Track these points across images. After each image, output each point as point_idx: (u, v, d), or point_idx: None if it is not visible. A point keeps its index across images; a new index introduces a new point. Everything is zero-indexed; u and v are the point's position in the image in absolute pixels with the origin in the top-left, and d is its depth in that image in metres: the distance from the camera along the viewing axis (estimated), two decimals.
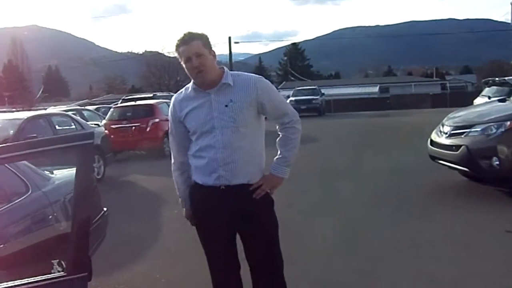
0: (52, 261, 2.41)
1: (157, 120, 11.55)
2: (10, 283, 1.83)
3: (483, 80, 14.31)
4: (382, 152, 9.62)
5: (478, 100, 11.96)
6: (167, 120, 9.64)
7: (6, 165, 2.76)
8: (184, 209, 2.42)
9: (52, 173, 3.58)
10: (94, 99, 40.07)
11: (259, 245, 2.29)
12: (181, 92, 2.33)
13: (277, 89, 2.63)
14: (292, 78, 55.00)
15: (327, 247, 4.11)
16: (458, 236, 4.21)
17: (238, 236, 2.35)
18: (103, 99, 41.18)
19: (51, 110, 13.86)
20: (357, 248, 4.05)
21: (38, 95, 45.54)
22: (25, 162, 3.11)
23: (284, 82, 49.04)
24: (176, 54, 2.26)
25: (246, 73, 2.34)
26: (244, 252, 2.34)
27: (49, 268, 2.35)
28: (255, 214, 2.25)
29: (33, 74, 53.63)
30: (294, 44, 71.12)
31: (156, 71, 50.66)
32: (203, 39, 2.20)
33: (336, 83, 48.72)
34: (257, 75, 2.34)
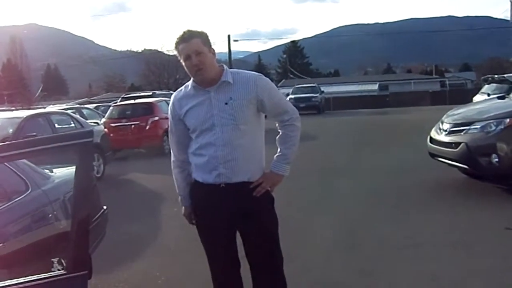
0: (52, 259, 2.41)
1: (156, 118, 11.55)
2: (11, 282, 1.83)
3: (483, 78, 14.33)
4: (381, 150, 9.63)
5: (477, 98, 11.97)
6: (166, 118, 9.59)
7: (5, 163, 2.76)
8: (183, 207, 2.43)
9: (52, 172, 3.58)
10: (93, 98, 40.03)
11: (259, 243, 2.29)
12: (181, 90, 2.33)
13: (277, 87, 2.63)
14: (292, 76, 54.96)
15: (326, 245, 4.11)
16: (457, 234, 4.22)
17: (238, 234, 2.36)
18: (102, 97, 41.13)
19: (51, 108, 13.84)
20: (357, 246, 4.06)
21: (38, 93, 45.47)
22: (24, 160, 3.11)
23: (283, 80, 49.01)
24: (175, 52, 2.26)
25: (245, 71, 2.34)
26: (244, 250, 2.34)
27: (49, 267, 2.35)
28: (256, 212, 2.26)
29: (32, 73, 53.53)
30: (293, 42, 71.04)
31: (155, 69, 50.61)
32: (203, 37, 2.20)
33: (336, 81, 48.68)
34: (256, 73, 2.34)
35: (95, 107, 17.71)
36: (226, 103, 2.19)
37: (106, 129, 10.30)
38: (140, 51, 61.81)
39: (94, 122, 11.17)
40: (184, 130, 2.30)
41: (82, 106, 17.73)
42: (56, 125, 8.11)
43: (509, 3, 22.82)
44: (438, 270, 3.42)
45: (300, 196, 5.98)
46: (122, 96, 19.72)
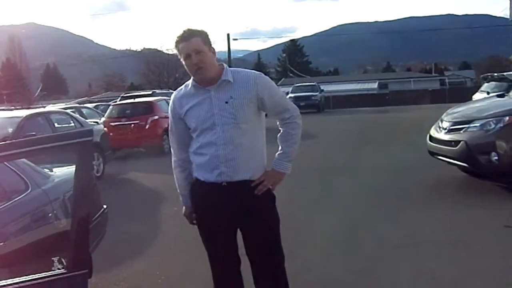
0: (53, 258, 2.41)
1: (156, 117, 11.54)
2: (11, 281, 1.83)
3: (482, 76, 14.33)
4: (381, 148, 9.63)
5: (477, 96, 11.98)
6: (166, 117, 9.62)
7: (5, 163, 2.76)
8: (184, 207, 2.43)
9: (52, 171, 3.58)
10: (93, 97, 39.95)
11: (261, 241, 2.30)
12: (181, 89, 2.33)
13: (277, 85, 2.63)
14: (291, 75, 54.94)
15: (327, 244, 4.11)
16: (457, 232, 4.22)
17: (238, 232, 2.36)
18: (102, 96, 41.08)
19: (50, 108, 13.83)
20: (357, 245, 4.06)
21: (37, 93, 45.42)
22: (24, 160, 3.11)
23: (283, 79, 48.99)
24: (175, 51, 2.26)
25: (245, 70, 2.34)
26: (244, 248, 2.35)
27: (49, 266, 2.35)
28: (257, 210, 2.26)
29: (32, 72, 53.46)
30: (292, 40, 71.02)
31: (155, 69, 50.59)
32: (203, 36, 2.20)
33: (335, 80, 48.71)
34: (256, 72, 2.35)
35: (95, 106, 17.70)
36: (226, 102, 2.19)
37: (105, 128, 10.30)
38: (139, 50, 61.97)
39: (94, 121, 11.18)
40: (185, 129, 2.30)
41: (81, 105, 17.71)
42: (56, 125, 8.11)
43: (508, 2, 22.80)
44: (438, 268, 3.42)
45: (301, 195, 5.98)
46: (122, 95, 19.74)
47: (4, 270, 2.42)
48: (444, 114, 6.26)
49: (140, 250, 4.33)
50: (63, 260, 2.16)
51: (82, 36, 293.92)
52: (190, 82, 2.28)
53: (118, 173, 9.10)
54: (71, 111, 10.61)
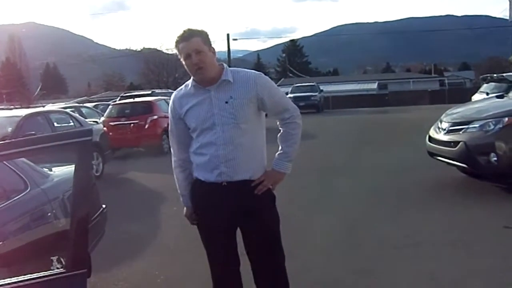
0: (52, 257, 2.41)
1: (155, 117, 11.54)
2: (10, 280, 1.83)
3: (481, 77, 14.33)
4: (381, 148, 9.64)
5: (476, 97, 11.98)
6: (165, 117, 9.62)
7: (4, 162, 2.76)
8: (185, 207, 2.43)
9: (51, 170, 3.58)
10: (92, 96, 39.95)
11: (261, 241, 2.30)
12: (181, 89, 2.33)
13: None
14: (291, 75, 54.95)
15: (327, 244, 4.12)
16: (457, 233, 4.22)
17: (237, 232, 2.36)
18: (101, 96, 41.08)
19: (49, 107, 13.83)
20: (357, 245, 4.05)
21: (36, 92, 45.41)
22: (23, 159, 3.11)
23: (282, 79, 48.99)
24: (175, 51, 2.26)
25: (245, 70, 2.34)
26: (244, 248, 2.35)
27: (48, 265, 2.35)
28: (257, 210, 2.26)
29: (31, 72, 53.47)
30: (292, 40, 71.03)
31: (154, 68, 50.58)
32: (203, 36, 2.20)
33: (335, 80, 48.72)
34: (256, 72, 2.35)
35: (94, 106, 17.69)
36: (226, 102, 2.19)
37: (105, 128, 10.29)
38: (139, 50, 61.90)
39: (93, 121, 11.17)
40: (185, 129, 2.30)
41: (81, 104, 17.69)
42: (55, 124, 8.11)
43: (508, 2, 22.82)
44: (438, 269, 3.42)
45: (301, 195, 5.98)
46: (121, 95, 19.74)
47: (3, 270, 2.42)
48: (444, 114, 6.26)
49: (139, 249, 4.32)
50: (62, 260, 2.16)
51: (82, 36, 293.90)
52: (190, 82, 2.28)
53: (118, 172, 9.10)
54: (71, 111, 10.61)
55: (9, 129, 7.08)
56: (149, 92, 18.52)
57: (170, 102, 2.36)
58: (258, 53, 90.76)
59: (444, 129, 5.87)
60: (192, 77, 2.25)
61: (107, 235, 3.68)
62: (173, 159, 2.41)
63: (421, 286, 3.21)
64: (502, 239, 3.96)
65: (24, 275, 1.85)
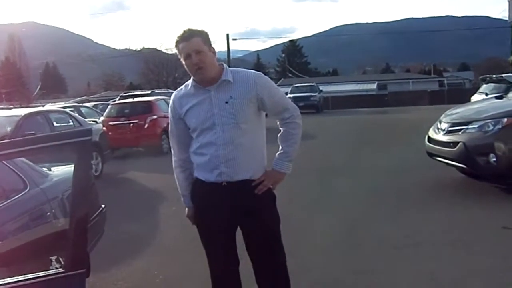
0: (50, 257, 2.41)
1: (155, 117, 11.54)
2: (9, 280, 1.83)
3: (481, 77, 14.34)
4: (380, 149, 9.64)
5: (475, 97, 11.99)
6: (165, 117, 9.62)
7: (4, 162, 2.76)
8: (187, 208, 2.42)
9: (50, 170, 3.57)
10: (92, 96, 39.96)
11: (261, 241, 2.30)
12: (181, 89, 2.33)
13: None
14: (290, 75, 54.95)
15: (327, 244, 4.11)
16: (456, 233, 4.22)
17: (237, 233, 2.36)
18: (101, 96, 41.08)
19: (49, 107, 13.82)
20: (357, 245, 4.05)
21: (36, 92, 45.41)
22: (23, 159, 3.10)
23: (282, 79, 49.01)
24: (175, 51, 2.27)
25: (245, 70, 2.34)
26: (245, 247, 2.35)
27: (47, 265, 2.35)
28: (257, 210, 2.26)
29: (31, 71, 53.48)
30: (292, 41, 71.05)
31: (154, 68, 50.59)
32: (203, 36, 2.20)
33: (334, 80, 48.72)
34: (256, 72, 2.35)
35: (94, 106, 17.68)
36: (226, 102, 2.19)
37: (104, 128, 10.28)
38: (139, 49, 61.83)
39: (93, 121, 11.18)
40: (185, 129, 2.30)
41: (80, 104, 17.69)
42: (55, 124, 8.10)
43: (507, 3, 22.83)
44: (437, 269, 3.42)
45: (301, 195, 5.98)
46: (121, 94, 19.73)
47: (2, 269, 2.42)
48: (443, 115, 6.26)
49: (139, 249, 4.32)
50: (61, 260, 2.16)
51: (81, 36, 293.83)
52: (190, 82, 2.28)
53: (117, 172, 9.09)
54: (70, 110, 10.60)
55: (9, 129, 7.07)
56: (149, 92, 18.50)
57: (170, 102, 2.36)
58: (257, 53, 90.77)
59: (443, 130, 5.87)
60: (192, 77, 2.25)
61: (106, 235, 3.68)
62: (173, 159, 2.41)
63: (421, 286, 3.21)
64: (502, 239, 3.97)
65: (23, 275, 1.85)
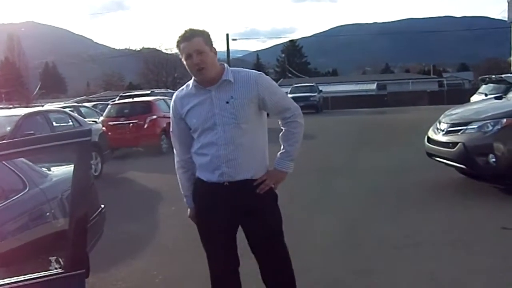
0: (50, 258, 2.41)
1: (154, 117, 11.54)
2: (8, 280, 1.83)
3: (480, 78, 14.34)
4: (380, 149, 9.64)
5: (474, 98, 11.98)
6: (164, 117, 9.64)
7: (3, 162, 2.76)
8: (189, 209, 2.42)
9: (50, 170, 3.57)
10: (91, 96, 39.96)
11: (263, 240, 2.31)
12: (183, 89, 2.33)
13: None
14: (290, 75, 54.96)
15: (327, 244, 4.11)
16: (456, 233, 4.22)
17: (238, 233, 2.37)
18: (100, 96, 41.07)
19: (48, 107, 13.82)
20: (357, 245, 4.05)
21: (35, 91, 45.39)
22: (22, 159, 3.10)
23: (281, 79, 49.00)
24: (174, 51, 2.28)
25: (246, 70, 2.34)
26: (249, 246, 2.36)
27: (47, 265, 2.35)
28: (259, 209, 2.27)
29: (30, 71, 53.41)
30: (291, 41, 71.05)
31: (153, 68, 50.57)
32: (204, 36, 2.20)
33: (334, 80, 48.72)
34: (257, 72, 2.35)
35: (93, 106, 17.68)
36: (227, 102, 2.19)
37: (104, 128, 10.28)
38: (138, 49, 61.86)
39: (92, 121, 11.18)
40: (186, 129, 2.30)
41: (80, 104, 17.69)
42: (54, 124, 8.09)
43: (507, 4, 22.83)
44: (437, 269, 3.42)
45: (301, 195, 5.97)
46: (120, 94, 19.73)
47: (1, 270, 2.42)
48: (442, 115, 6.26)
49: (138, 249, 4.32)
50: (60, 260, 2.16)
51: (81, 35, 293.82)
52: (191, 82, 2.28)
53: (117, 172, 9.09)
54: (70, 110, 10.60)
55: (8, 129, 7.06)
56: (148, 92, 18.51)
57: (172, 102, 2.36)
58: (257, 53, 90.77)
59: (443, 130, 5.88)
60: (193, 77, 2.25)
61: (105, 235, 3.68)
62: (175, 160, 2.41)
63: (421, 286, 3.21)
64: (502, 239, 3.97)
65: (23, 275, 1.85)
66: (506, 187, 5.43)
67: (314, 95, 25.54)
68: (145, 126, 11.43)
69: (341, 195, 5.91)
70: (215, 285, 2.39)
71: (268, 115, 2.35)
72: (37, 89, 46.34)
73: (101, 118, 12.12)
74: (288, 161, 2.33)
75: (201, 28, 2.23)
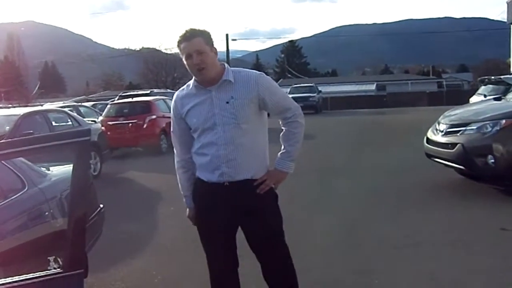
0: (49, 257, 2.40)
1: (154, 117, 11.54)
2: (7, 280, 1.83)
3: (479, 79, 14.34)
4: (380, 149, 9.65)
5: (474, 99, 11.99)
6: (164, 117, 9.65)
7: (2, 161, 2.75)
8: (188, 209, 2.42)
9: (49, 170, 3.56)
10: (91, 96, 39.92)
11: (264, 240, 2.31)
12: (183, 89, 2.33)
13: None
14: (289, 76, 54.97)
15: (327, 244, 4.11)
16: (456, 233, 4.22)
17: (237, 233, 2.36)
18: (100, 95, 41.04)
19: (48, 106, 13.80)
20: (357, 245, 4.05)
21: (35, 91, 45.35)
22: (21, 158, 3.10)
23: (281, 80, 48.99)
24: (174, 51, 2.29)
25: (247, 70, 2.34)
26: (249, 246, 2.36)
27: (45, 265, 2.35)
28: (259, 209, 2.27)
29: (30, 70, 53.39)
30: (291, 41, 71.06)
31: (153, 68, 50.54)
32: (205, 36, 2.20)
33: (333, 81, 48.74)
34: (258, 72, 2.35)
35: (93, 105, 17.68)
36: (227, 102, 2.19)
37: (103, 127, 10.27)
38: (138, 49, 61.76)
39: (92, 120, 11.16)
40: (186, 129, 2.30)
41: (79, 104, 17.67)
42: (53, 123, 8.08)
43: (506, 5, 22.86)
44: (437, 269, 3.42)
45: (301, 195, 5.96)
46: (120, 94, 19.73)
47: (0, 269, 2.41)
48: (441, 116, 6.27)
49: (137, 249, 4.31)
50: (59, 260, 2.16)
51: (81, 35, 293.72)
52: (191, 82, 2.28)
53: (116, 172, 9.08)
54: (69, 110, 10.59)
55: (7, 128, 7.05)
56: (148, 91, 18.49)
57: (173, 102, 2.36)
58: (257, 54, 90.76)
59: (442, 131, 5.88)
60: (193, 77, 2.25)
61: (104, 235, 3.67)
62: (176, 160, 2.40)
63: (421, 286, 3.21)
64: (502, 240, 3.97)
65: (21, 275, 1.84)
66: (504, 188, 5.43)
67: (314, 96, 25.55)
68: (145, 126, 11.42)
69: (341, 195, 5.91)
70: (214, 285, 2.38)
71: (268, 115, 2.35)
72: (36, 88, 46.29)
73: (101, 118, 12.11)
74: (288, 161, 2.33)
75: (202, 28, 2.23)
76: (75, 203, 1.89)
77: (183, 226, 2.52)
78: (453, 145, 5.55)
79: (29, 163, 3.29)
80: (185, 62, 2.21)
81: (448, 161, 5.74)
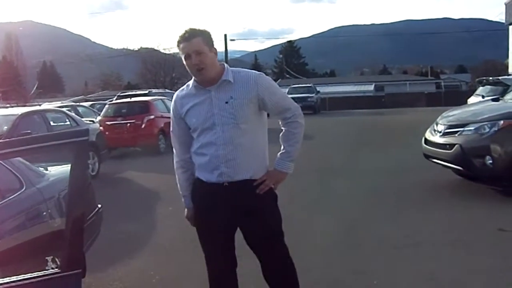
0: (46, 257, 2.40)
1: (152, 117, 11.53)
2: (4, 280, 1.82)
3: (477, 79, 14.37)
4: (378, 150, 9.66)
5: (472, 99, 12.02)
6: (162, 117, 9.65)
7: (0, 161, 2.74)
8: (186, 209, 2.42)
9: (47, 170, 3.55)
10: (89, 96, 39.87)
11: (263, 240, 2.31)
12: (183, 89, 2.33)
13: None
14: (288, 76, 55.00)
15: (327, 244, 4.11)
16: (456, 233, 4.22)
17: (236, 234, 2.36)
18: (98, 95, 40.98)
19: (46, 106, 13.78)
20: (357, 245, 4.05)
21: (33, 91, 45.28)
22: (19, 158, 3.09)
23: (279, 80, 48.98)
24: (172, 51, 2.29)
25: (246, 70, 2.34)
26: (248, 246, 2.35)
27: (43, 265, 2.34)
28: (259, 209, 2.26)
29: (28, 70, 53.36)
30: (289, 41, 71.11)
31: (151, 68, 50.54)
32: (205, 36, 2.19)
33: (332, 81, 48.75)
34: (257, 72, 2.35)
35: (91, 105, 17.64)
36: (226, 102, 2.19)
37: (101, 127, 10.26)
38: (136, 49, 61.86)
39: (90, 120, 11.13)
40: (186, 129, 2.30)
41: (77, 104, 17.64)
42: (52, 123, 8.07)
43: (504, 6, 22.91)
44: (437, 269, 3.42)
45: (301, 195, 5.96)
46: (118, 94, 19.71)
47: None
48: (439, 117, 6.27)
49: (135, 249, 4.30)
50: (57, 260, 2.15)
51: (79, 35, 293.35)
52: (191, 82, 2.28)
53: (114, 172, 9.07)
54: (67, 110, 10.57)
55: (5, 128, 7.04)
56: (146, 91, 18.49)
57: (172, 102, 2.36)
58: (255, 54, 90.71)
59: (440, 132, 5.88)
60: (193, 77, 2.25)
61: (102, 235, 3.66)
62: (175, 160, 2.40)
63: (421, 286, 3.21)
64: (502, 240, 3.97)
65: (19, 275, 1.83)
66: (503, 188, 5.44)
67: (312, 96, 25.56)
68: (143, 126, 11.42)
69: (341, 195, 5.91)
70: (213, 285, 2.38)
71: (268, 115, 2.35)
72: (35, 88, 46.22)
73: (99, 118, 12.10)
74: (288, 162, 2.32)
75: (202, 28, 2.22)
76: (73, 203, 1.88)
77: (182, 226, 2.51)
78: (451, 145, 5.55)
79: (27, 163, 3.28)
80: (184, 62, 2.21)
81: (446, 162, 5.74)
